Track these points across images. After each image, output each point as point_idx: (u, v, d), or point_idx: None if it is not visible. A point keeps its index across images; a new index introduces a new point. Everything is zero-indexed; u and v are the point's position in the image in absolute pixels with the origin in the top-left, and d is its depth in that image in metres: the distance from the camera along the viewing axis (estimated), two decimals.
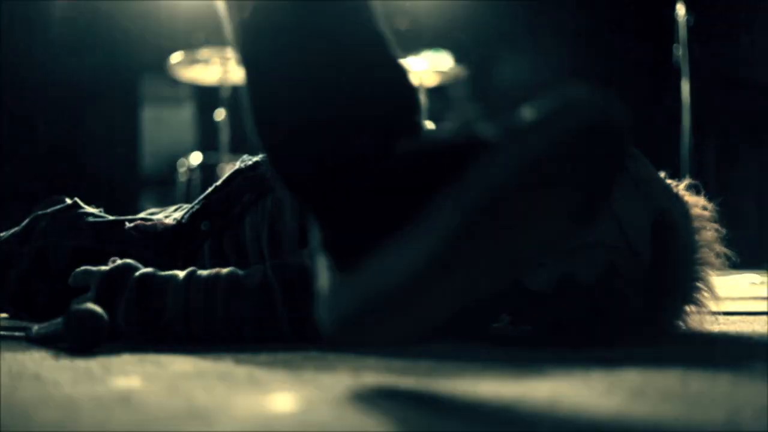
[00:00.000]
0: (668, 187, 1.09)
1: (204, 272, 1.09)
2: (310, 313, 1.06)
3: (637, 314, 1.04)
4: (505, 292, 1.08)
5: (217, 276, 1.08)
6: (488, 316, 1.17)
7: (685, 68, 3.23)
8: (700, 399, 0.64)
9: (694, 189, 1.12)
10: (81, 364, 0.86)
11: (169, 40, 4.03)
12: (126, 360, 0.91)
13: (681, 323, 1.09)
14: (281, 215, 1.25)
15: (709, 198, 1.11)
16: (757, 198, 3.19)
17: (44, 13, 4.28)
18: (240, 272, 1.09)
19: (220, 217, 1.30)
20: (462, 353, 0.98)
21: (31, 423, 0.58)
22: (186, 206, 1.42)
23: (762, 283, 2.56)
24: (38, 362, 0.88)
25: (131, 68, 4.77)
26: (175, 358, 0.93)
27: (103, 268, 1.10)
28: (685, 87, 3.23)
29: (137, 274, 1.08)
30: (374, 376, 0.77)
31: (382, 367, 0.82)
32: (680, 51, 3.24)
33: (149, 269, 1.10)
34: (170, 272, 1.09)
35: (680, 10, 3.24)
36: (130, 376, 0.78)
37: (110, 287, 1.07)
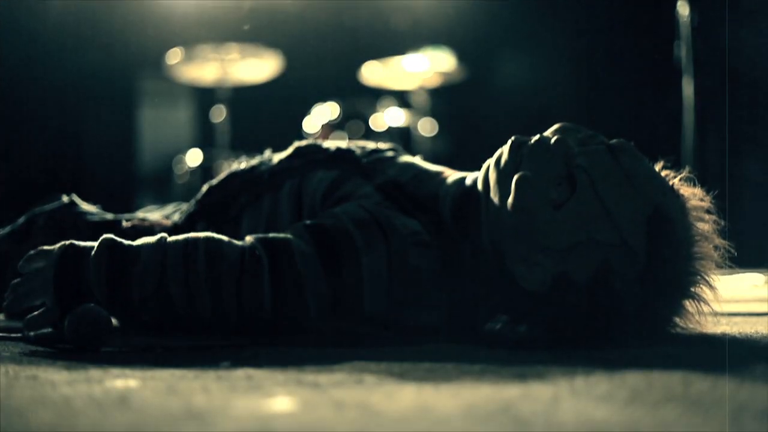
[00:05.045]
0: (663, 181, 1.07)
1: (179, 237, 1.05)
2: (294, 293, 1.03)
3: (634, 312, 1.03)
4: (501, 292, 1.08)
5: (196, 240, 1.04)
6: (484, 315, 1.17)
7: (688, 67, 3.22)
8: (702, 400, 0.64)
9: (690, 181, 1.10)
10: (78, 364, 0.86)
11: (167, 40, 4.03)
12: (123, 360, 0.90)
13: (679, 320, 1.08)
14: (278, 216, 1.24)
15: (712, 197, 1.10)
16: (760, 197, 3.18)
17: (41, 13, 4.28)
18: (221, 238, 1.06)
19: (217, 219, 1.29)
20: (462, 354, 0.97)
21: (28, 423, 0.57)
22: (185, 205, 1.42)
23: (765, 283, 2.55)
24: (35, 362, 0.88)
25: (129, 67, 4.77)
26: (172, 358, 0.93)
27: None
28: (688, 85, 3.22)
29: (103, 238, 1.02)
30: (374, 377, 0.76)
31: (382, 368, 0.82)
32: (682, 49, 3.24)
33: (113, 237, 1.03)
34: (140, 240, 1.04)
35: (683, 8, 3.23)
36: (128, 376, 0.77)
37: (73, 254, 1.01)
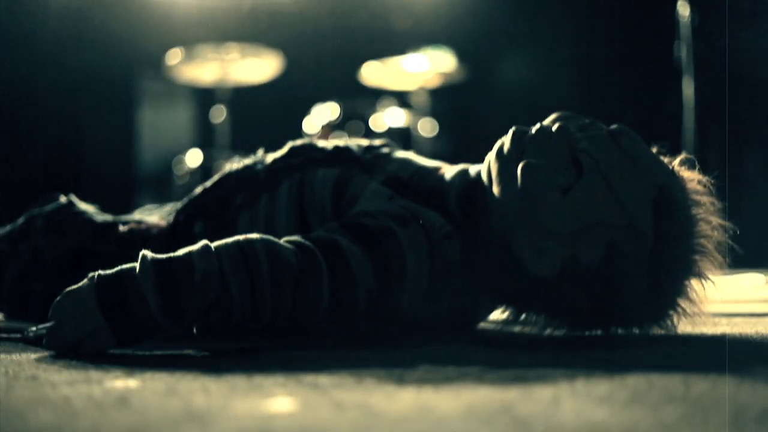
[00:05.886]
0: (664, 164, 1.09)
1: (227, 241, 0.98)
2: (348, 293, 1.01)
3: (642, 293, 1.04)
4: (511, 282, 1.08)
5: (251, 242, 0.98)
6: (492, 304, 1.17)
7: (688, 67, 3.22)
8: (703, 401, 0.64)
9: (689, 163, 1.12)
10: (77, 365, 0.86)
11: (167, 40, 4.03)
12: (123, 361, 0.90)
13: (684, 302, 1.08)
14: (277, 215, 1.24)
15: (711, 178, 1.11)
16: (760, 198, 3.19)
17: (41, 13, 4.28)
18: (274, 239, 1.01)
19: (214, 219, 1.29)
20: (462, 355, 0.97)
21: (27, 424, 0.57)
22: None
23: (765, 284, 2.56)
24: (34, 363, 0.88)
25: (129, 67, 4.77)
26: (172, 359, 0.93)
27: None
28: (688, 85, 3.22)
29: (143, 255, 0.94)
30: (373, 378, 0.76)
31: (382, 369, 0.82)
32: (683, 49, 3.24)
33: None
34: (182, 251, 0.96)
35: (683, 9, 3.23)
36: (128, 377, 0.77)
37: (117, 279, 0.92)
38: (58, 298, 0.94)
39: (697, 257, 1.06)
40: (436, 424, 0.57)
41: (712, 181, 1.10)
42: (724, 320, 1.39)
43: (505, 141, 1.11)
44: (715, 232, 1.08)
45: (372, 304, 1.03)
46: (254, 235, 0.99)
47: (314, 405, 0.63)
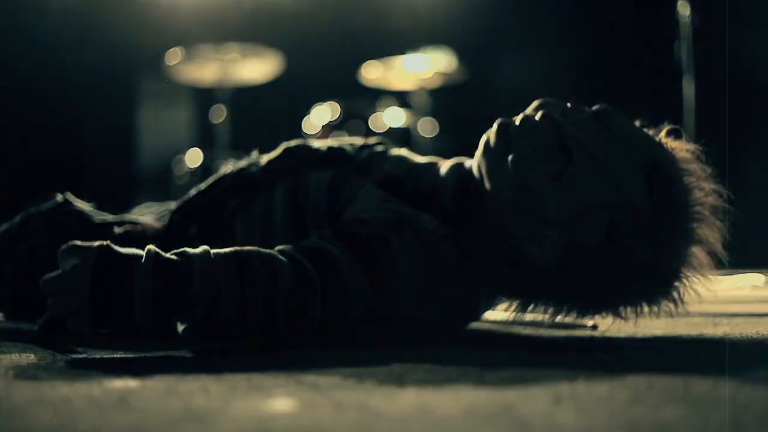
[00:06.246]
0: (651, 137, 1.10)
1: (226, 252, 0.96)
2: (341, 306, 1.00)
3: (645, 267, 1.04)
4: (513, 275, 1.08)
5: (250, 260, 0.96)
6: (491, 299, 1.17)
7: (688, 67, 3.22)
8: (703, 401, 0.64)
9: (675, 133, 1.12)
10: (78, 364, 0.86)
11: (167, 40, 4.03)
12: (123, 361, 0.90)
13: (687, 270, 1.08)
14: (272, 219, 1.23)
15: (702, 145, 1.12)
16: (761, 199, 3.19)
17: (41, 12, 4.28)
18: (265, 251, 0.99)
19: (210, 221, 1.28)
20: (462, 356, 0.97)
21: (27, 424, 0.57)
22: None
23: (765, 284, 2.55)
24: (34, 363, 0.88)
25: (129, 67, 4.77)
26: (172, 359, 0.93)
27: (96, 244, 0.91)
28: (688, 85, 3.22)
29: (148, 251, 0.91)
30: (374, 378, 0.76)
31: (382, 369, 0.82)
32: (683, 49, 3.24)
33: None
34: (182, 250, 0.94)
35: (683, 9, 3.23)
36: (127, 377, 0.77)
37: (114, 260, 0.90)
38: (64, 246, 0.91)
39: (694, 225, 1.07)
40: (436, 425, 0.57)
41: (700, 148, 1.10)
42: (724, 320, 1.39)
43: (491, 135, 1.11)
44: (710, 198, 1.08)
45: (366, 312, 1.03)
46: (254, 250, 0.97)
47: (314, 405, 0.63)
